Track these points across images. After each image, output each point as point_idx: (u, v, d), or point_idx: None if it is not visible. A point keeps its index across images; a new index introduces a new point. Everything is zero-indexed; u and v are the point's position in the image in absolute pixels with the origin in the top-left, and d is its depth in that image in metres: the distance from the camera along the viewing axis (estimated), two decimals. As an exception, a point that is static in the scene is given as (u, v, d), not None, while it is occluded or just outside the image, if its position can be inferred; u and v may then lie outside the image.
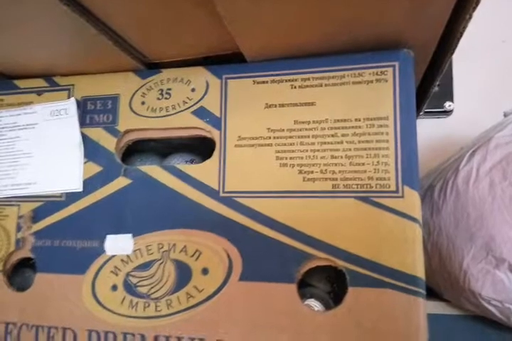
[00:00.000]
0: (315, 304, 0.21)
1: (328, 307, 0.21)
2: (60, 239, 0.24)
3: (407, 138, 0.20)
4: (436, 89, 0.50)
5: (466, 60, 0.49)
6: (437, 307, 0.32)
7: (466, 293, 0.28)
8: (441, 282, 0.31)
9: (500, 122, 0.32)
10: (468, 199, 0.29)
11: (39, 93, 0.26)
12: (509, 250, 0.26)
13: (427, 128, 0.50)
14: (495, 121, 0.33)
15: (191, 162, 0.27)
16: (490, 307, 0.27)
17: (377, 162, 0.20)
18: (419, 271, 0.19)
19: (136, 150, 0.28)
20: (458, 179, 0.30)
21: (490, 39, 0.50)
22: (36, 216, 0.24)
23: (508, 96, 0.48)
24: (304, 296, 0.21)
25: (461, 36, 0.21)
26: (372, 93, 0.21)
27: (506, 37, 0.50)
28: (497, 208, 0.27)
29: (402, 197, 0.20)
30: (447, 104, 0.50)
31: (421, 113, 0.48)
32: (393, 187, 0.20)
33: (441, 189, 0.32)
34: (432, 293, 0.33)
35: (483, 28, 0.49)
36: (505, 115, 0.34)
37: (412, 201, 0.20)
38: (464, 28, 0.20)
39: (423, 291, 0.19)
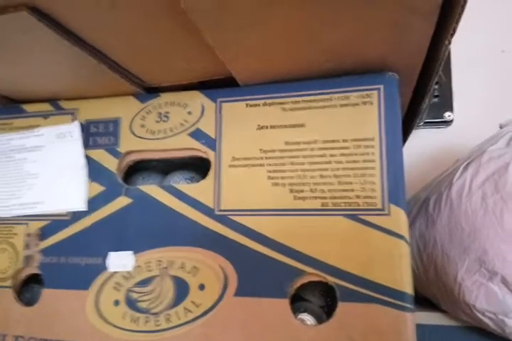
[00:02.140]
0: (308, 318, 0.22)
1: (320, 321, 0.22)
2: (66, 255, 0.25)
3: (393, 157, 0.21)
4: (435, 99, 0.51)
5: (466, 70, 0.49)
6: (434, 318, 0.32)
7: (461, 304, 0.29)
8: (437, 293, 0.32)
9: (494, 135, 0.33)
10: (461, 213, 0.29)
11: (45, 117, 0.28)
12: (501, 263, 0.27)
13: (427, 139, 0.51)
14: (495, 131, 0.33)
15: (191, 179, 0.28)
16: (484, 319, 0.28)
17: (364, 181, 0.21)
18: (407, 287, 0.20)
19: (138, 168, 0.29)
20: (452, 192, 0.31)
21: (489, 49, 0.50)
22: (43, 234, 0.26)
23: (508, 106, 0.48)
24: (297, 310, 0.22)
25: (442, 60, 0.22)
26: (359, 115, 0.22)
27: (506, 47, 0.50)
28: (489, 221, 0.28)
29: (389, 214, 0.21)
30: (447, 115, 0.50)
31: (420, 124, 0.49)
32: (379, 205, 0.21)
33: (435, 201, 0.32)
34: (429, 304, 0.33)
35: (483, 38, 0.49)
36: (501, 127, 0.35)
37: (398, 219, 0.20)
38: (445, 52, 0.21)
39: (410, 306, 0.20)
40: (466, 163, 0.32)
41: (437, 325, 0.32)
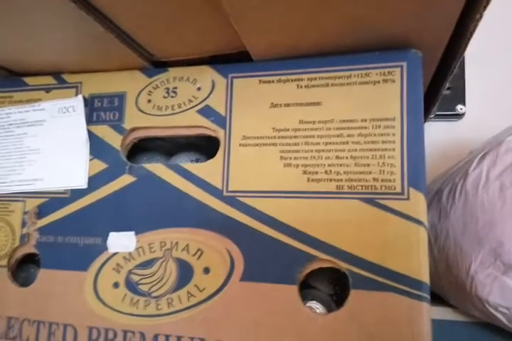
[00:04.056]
0: (317, 306, 0.21)
1: (329, 309, 0.21)
2: (64, 235, 0.24)
3: (414, 139, 0.20)
4: (447, 92, 0.49)
5: (479, 63, 0.48)
6: (442, 313, 0.31)
7: (473, 298, 0.28)
8: (447, 287, 0.31)
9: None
10: (477, 204, 0.28)
11: (47, 90, 0.26)
12: (518, 256, 0.26)
13: (438, 132, 0.50)
14: (507, 124, 0.32)
15: (196, 161, 0.27)
16: (497, 314, 0.27)
17: (383, 163, 0.20)
18: (424, 275, 0.19)
19: (142, 148, 0.28)
20: (467, 183, 0.30)
21: (502, 42, 0.49)
22: (41, 212, 0.25)
23: (522, 99, 0.47)
24: (305, 298, 0.21)
25: (471, 36, 0.20)
26: (379, 93, 0.21)
27: (521, 39, 0.49)
28: (507, 213, 0.27)
29: (408, 199, 0.19)
30: (459, 107, 0.49)
31: (431, 116, 0.47)
32: (399, 189, 0.20)
33: (449, 193, 0.31)
34: (437, 299, 0.32)
35: (496, 30, 0.48)
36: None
37: (417, 203, 0.19)
38: (475, 27, 0.20)
39: (427, 296, 0.19)
40: (482, 154, 0.30)
41: (445, 320, 0.31)
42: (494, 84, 0.49)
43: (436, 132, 0.49)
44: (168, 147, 0.29)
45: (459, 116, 0.49)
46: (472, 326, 0.30)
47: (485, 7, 0.18)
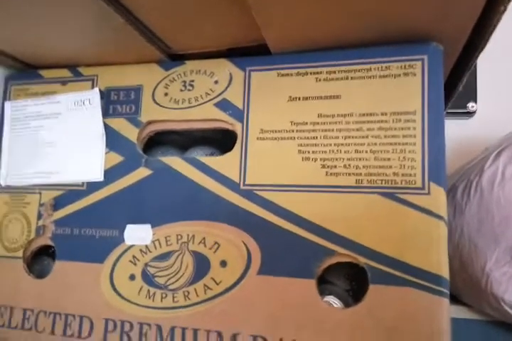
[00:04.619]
0: (334, 301, 0.21)
1: (347, 305, 0.21)
2: (80, 227, 0.24)
3: (435, 133, 0.20)
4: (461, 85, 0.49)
5: (490, 60, 0.48)
6: (456, 311, 0.31)
7: (488, 296, 0.28)
8: (461, 285, 0.30)
9: (529, 122, 0.31)
10: (492, 201, 0.28)
11: (63, 83, 0.26)
12: (535, 254, 0.25)
13: (449, 129, 0.49)
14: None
15: (211, 155, 0.27)
16: (513, 312, 0.26)
17: (404, 157, 0.20)
18: (444, 270, 0.19)
19: (156, 142, 0.28)
20: (482, 180, 0.29)
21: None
22: (57, 204, 0.25)
23: (534, 98, 0.46)
24: (322, 293, 0.21)
25: (494, 29, 0.20)
26: (400, 87, 0.20)
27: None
28: (523, 210, 0.26)
29: (428, 193, 0.19)
30: (470, 105, 0.48)
31: (446, 109, 0.47)
32: (419, 184, 0.19)
33: (464, 189, 0.31)
34: (450, 297, 0.32)
35: (508, 26, 0.47)
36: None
37: (438, 198, 0.19)
38: (498, 21, 0.20)
39: (447, 291, 0.19)
40: (498, 151, 0.30)
41: (459, 319, 0.31)
42: (506, 81, 0.48)
43: (447, 129, 0.49)
44: (183, 141, 0.29)
45: (470, 113, 0.49)
46: (486, 324, 0.30)
47: (509, 1, 0.18)
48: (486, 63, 0.47)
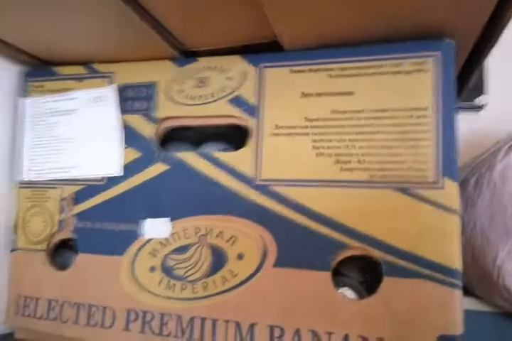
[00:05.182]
0: (349, 293, 0.21)
1: (361, 297, 0.21)
2: (101, 221, 0.25)
3: (448, 129, 0.20)
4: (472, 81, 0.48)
5: (499, 53, 0.47)
6: (467, 303, 0.31)
7: (500, 289, 0.28)
8: (473, 278, 0.31)
9: (542, 115, 0.31)
10: (505, 193, 0.28)
11: (79, 80, 0.27)
12: (547, 246, 0.26)
13: (458, 123, 0.49)
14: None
15: (224, 150, 0.27)
16: (524, 304, 0.27)
17: (416, 152, 0.20)
18: (457, 263, 0.19)
19: (170, 138, 0.28)
20: (494, 173, 0.29)
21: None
22: (78, 198, 0.25)
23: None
24: (337, 285, 0.21)
25: (506, 25, 0.20)
26: (412, 83, 0.21)
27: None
28: (536, 203, 0.26)
29: (442, 188, 0.19)
30: (479, 99, 0.48)
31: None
32: (432, 179, 0.20)
33: (476, 183, 0.31)
34: (462, 289, 0.32)
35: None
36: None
37: (451, 192, 0.19)
38: (510, 17, 0.20)
39: (460, 283, 0.19)
40: (510, 144, 0.30)
41: (470, 310, 0.31)
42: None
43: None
44: (196, 136, 0.29)
45: (479, 108, 0.48)
46: (498, 316, 0.30)
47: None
48: (496, 57, 0.46)
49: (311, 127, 0.22)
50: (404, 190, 0.20)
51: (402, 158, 0.20)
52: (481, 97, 0.47)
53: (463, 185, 0.33)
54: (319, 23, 0.21)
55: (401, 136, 0.21)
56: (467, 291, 0.32)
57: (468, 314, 0.31)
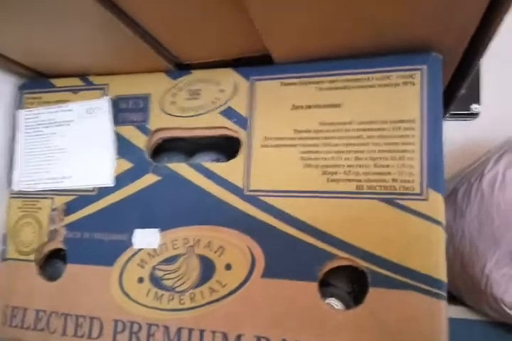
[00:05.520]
0: (336, 303, 0.21)
1: (348, 307, 0.21)
2: (91, 231, 0.25)
3: (434, 141, 0.20)
4: (462, 91, 0.49)
5: (494, 61, 0.48)
6: (457, 312, 0.31)
7: (488, 298, 0.28)
8: (462, 286, 0.31)
9: (529, 127, 0.31)
10: (493, 204, 0.28)
11: (75, 91, 0.27)
12: (534, 257, 0.26)
13: (452, 131, 0.49)
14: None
15: (217, 161, 0.28)
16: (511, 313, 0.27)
17: (402, 164, 0.20)
18: (442, 274, 0.19)
19: (163, 148, 0.28)
20: (483, 183, 0.30)
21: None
22: (69, 209, 0.26)
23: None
24: (324, 295, 0.21)
25: (490, 40, 0.21)
26: (399, 96, 0.21)
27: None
28: (523, 214, 0.27)
29: (427, 199, 0.20)
30: (473, 107, 0.49)
31: (446, 115, 0.47)
32: (417, 190, 0.20)
33: (465, 192, 0.31)
34: (452, 298, 0.33)
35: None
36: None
37: (436, 204, 0.20)
38: (495, 31, 0.20)
39: (445, 294, 0.19)
40: (498, 155, 0.31)
41: (460, 319, 0.31)
42: (510, 82, 0.48)
43: (450, 131, 0.49)
44: (189, 147, 0.30)
45: (474, 115, 0.49)
46: (487, 325, 0.30)
47: (505, 12, 0.19)
48: (490, 64, 0.47)
49: (299, 138, 0.22)
50: (390, 201, 0.20)
51: (388, 170, 0.21)
52: (475, 105, 0.48)
53: (453, 193, 0.33)
54: (310, 37, 0.21)
55: (388, 147, 0.21)
56: (456, 300, 0.32)
57: (457, 322, 0.31)
